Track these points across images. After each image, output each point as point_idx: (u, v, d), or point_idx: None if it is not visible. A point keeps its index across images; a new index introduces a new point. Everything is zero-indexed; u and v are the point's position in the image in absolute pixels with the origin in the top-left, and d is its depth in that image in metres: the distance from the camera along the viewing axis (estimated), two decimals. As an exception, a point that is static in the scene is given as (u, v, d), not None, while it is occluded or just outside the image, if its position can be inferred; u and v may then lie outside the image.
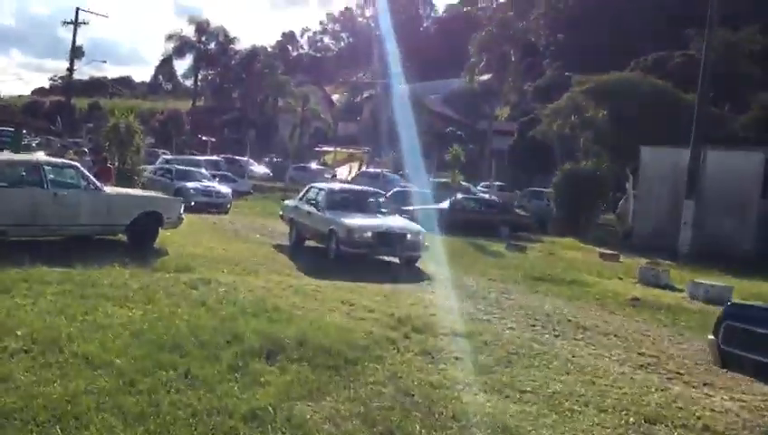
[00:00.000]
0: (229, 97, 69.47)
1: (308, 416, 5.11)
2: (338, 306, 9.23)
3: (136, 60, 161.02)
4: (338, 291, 10.53)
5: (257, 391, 5.46)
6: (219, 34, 66.42)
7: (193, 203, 22.32)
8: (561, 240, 24.35)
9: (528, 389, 6.29)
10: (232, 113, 67.72)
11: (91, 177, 13.10)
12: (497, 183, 38.80)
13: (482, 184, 39.37)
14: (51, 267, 9.98)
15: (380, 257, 14.66)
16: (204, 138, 57.97)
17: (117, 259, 11.10)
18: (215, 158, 39.76)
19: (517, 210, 27.82)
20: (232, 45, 67.19)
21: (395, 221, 15.39)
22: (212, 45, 66.65)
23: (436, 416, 5.39)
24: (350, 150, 54.89)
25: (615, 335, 9.18)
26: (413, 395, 5.80)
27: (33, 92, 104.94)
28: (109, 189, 13.28)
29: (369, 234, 14.03)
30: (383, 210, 16.03)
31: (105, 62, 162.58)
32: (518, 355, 7.51)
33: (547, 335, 8.82)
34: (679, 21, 47.26)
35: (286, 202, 18.64)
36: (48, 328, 6.57)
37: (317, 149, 59.17)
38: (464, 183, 31.17)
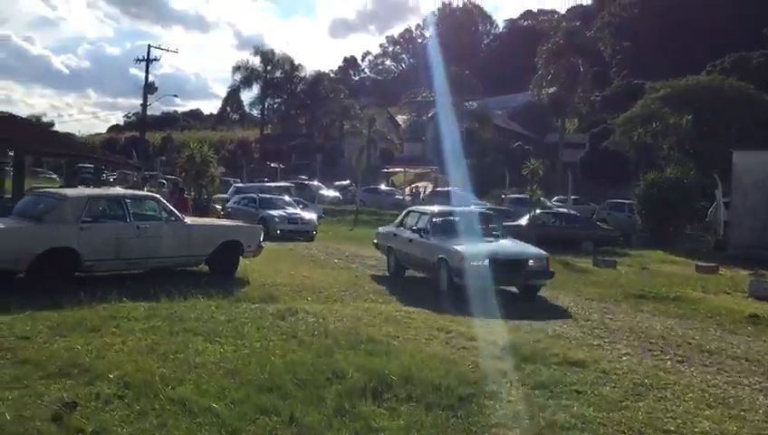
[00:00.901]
0: (296, 123, 70.20)
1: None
2: (435, 334, 8.63)
3: (204, 94, 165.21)
4: (431, 317, 9.94)
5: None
6: (285, 63, 67.33)
7: (279, 231, 22.37)
8: (649, 253, 23.11)
9: (671, 428, 5.52)
10: (299, 139, 68.35)
11: (172, 208, 12.94)
12: (572, 196, 37.57)
13: (556, 198, 38.19)
14: (136, 302, 9.78)
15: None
16: (273, 164, 58.55)
17: (200, 291, 10.84)
18: (284, 183, 39.84)
19: (599, 223, 26.65)
20: (297, 73, 67.96)
21: (513, 245, 13.55)
22: (278, 74, 67.55)
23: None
24: (418, 170, 54.40)
25: (746, 359, 8.26)
26: (542, 438, 5.13)
27: (108, 130, 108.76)
28: (189, 220, 13.10)
29: (486, 262, 11.97)
30: (496, 233, 14.04)
31: (176, 96, 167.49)
32: (645, 386, 6.73)
33: (669, 362, 7.99)
34: (753, 21, 45.28)
35: (381, 229, 17.00)
36: (140, 370, 6.20)
37: (384, 170, 58.94)
38: (544, 199, 30.11)
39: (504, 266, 12.13)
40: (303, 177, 48.31)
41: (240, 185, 37.33)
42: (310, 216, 25.24)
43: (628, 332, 9.66)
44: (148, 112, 63.06)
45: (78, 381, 5.94)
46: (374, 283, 13.89)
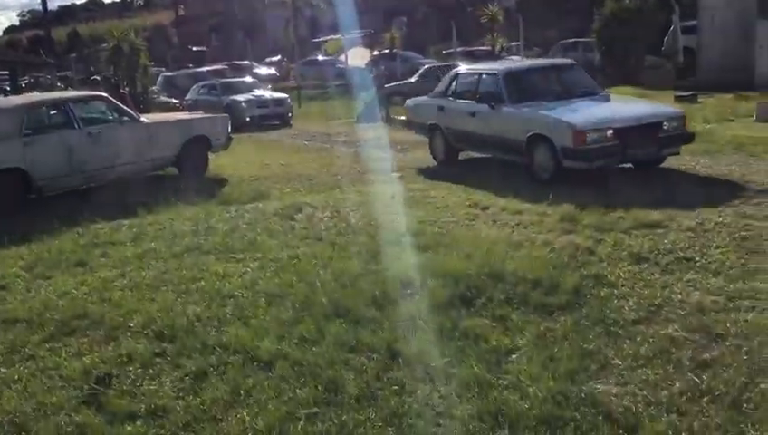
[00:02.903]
0: (213, 0, 65.29)
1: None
2: (475, 213, 7.53)
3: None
4: (452, 193, 8.85)
5: (518, 365, 3.85)
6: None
7: (249, 118, 20.15)
8: (617, 90, 22.25)
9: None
10: (218, 18, 63.93)
11: (124, 106, 11.19)
12: (514, 43, 36.08)
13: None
14: (112, 220, 8.36)
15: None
16: (195, 48, 54.86)
17: (177, 196, 9.47)
18: (219, 66, 37.11)
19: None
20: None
21: (633, 106, 10.45)
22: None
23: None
24: (354, 35, 51.71)
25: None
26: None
27: (5, 32, 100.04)
28: (146, 118, 11.40)
29: (611, 131, 8.62)
30: (593, 91, 10.18)
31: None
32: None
33: None
34: None
35: (413, 102, 12.60)
36: (165, 312, 4.97)
37: (315, 39, 55.90)
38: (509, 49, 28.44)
39: (635, 135, 8.74)
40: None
41: (169, 74, 34.47)
42: (280, 95, 22.72)
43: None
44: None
45: (93, 339, 4.68)
46: (361, 161, 12.60)
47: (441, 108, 11.28)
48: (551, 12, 41.56)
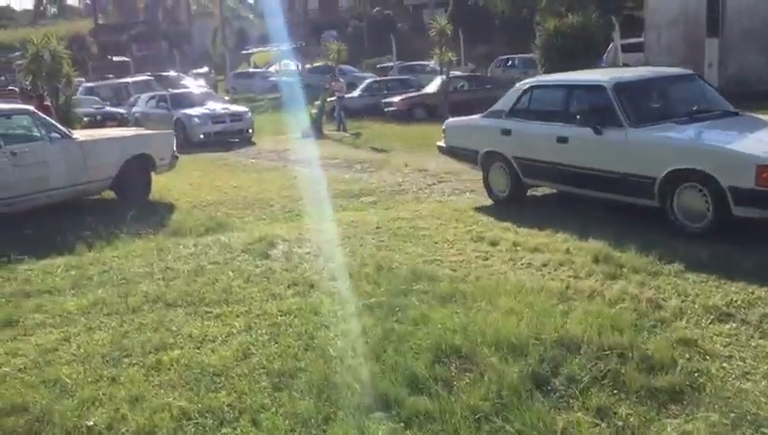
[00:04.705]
0: (133, 9, 62.65)
1: None
2: (485, 250, 6.49)
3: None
4: (434, 219, 7.85)
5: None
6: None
7: (202, 136, 18.00)
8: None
9: None
10: (139, 27, 61.34)
11: (53, 121, 9.67)
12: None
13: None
14: (43, 258, 6.96)
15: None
16: (115, 58, 52.31)
17: (117, 227, 8.14)
18: (143, 78, 35.07)
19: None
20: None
21: None
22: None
23: None
24: (284, 47, 50.41)
25: None
26: None
27: None
28: (79, 134, 9.91)
29: None
30: (728, 111, 7.65)
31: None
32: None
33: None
34: None
35: (458, 122, 9.81)
36: (136, 403, 3.71)
37: (244, 51, 54.25)
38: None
39: None
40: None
41: (90, 85, 32.26)
42: (239, 108, 20.34)
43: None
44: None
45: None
46: (315, 184, 11.43)
47: (506, 131, 8.47)
48: (480, 28, 41.54)
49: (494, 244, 6.63)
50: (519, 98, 8.54)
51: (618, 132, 7.06)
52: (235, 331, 4.76)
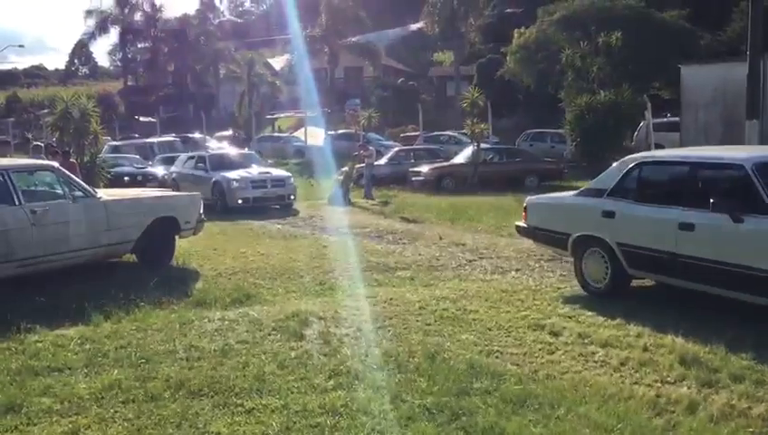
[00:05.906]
0: (163, 72, 63.68)
1: None
2: (549, 341, 5.78)
3: (44, 48, 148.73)
4: (482, 301, 7.17)
5: None
6: (144, 3, 60.49)
7: (240, 201, 16.87)
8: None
9: None
10: (167, 89, 62.35)
11: (77, 179, 9.21)
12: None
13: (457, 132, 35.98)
14: (56, 328, 6.37)
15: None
16: (142, 118, 53.03)
17: (137, 295, 7.57)
18: (168, 138, 35.18)
19: (545, 158, 24.65)
20: (159, 14, 61.31)
21: None
22: (137, 17, 60.74)
23: None
24: (308, 114, 50.87)
25: None
26: None
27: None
28: (103, 194, 9.41)
29: None
30: None
31: (22, 46, 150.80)
32: None
33: None
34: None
35: (538, 200, 8.87)
36: None
37: (269, 116, 54.76)
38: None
39: None
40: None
41: (116, 143, 32.33)
42: (281, 173, 18.65)
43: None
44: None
45: None
46: (345, 254, 10.81)
47: (609, 213, 7.29)
48: (505, 101, 41.65)
49: (555, 334, 5.93)
50: (625, 175, 7.35)
51: (763, 221, 5.93)
52: (271, 432, 4.07)
